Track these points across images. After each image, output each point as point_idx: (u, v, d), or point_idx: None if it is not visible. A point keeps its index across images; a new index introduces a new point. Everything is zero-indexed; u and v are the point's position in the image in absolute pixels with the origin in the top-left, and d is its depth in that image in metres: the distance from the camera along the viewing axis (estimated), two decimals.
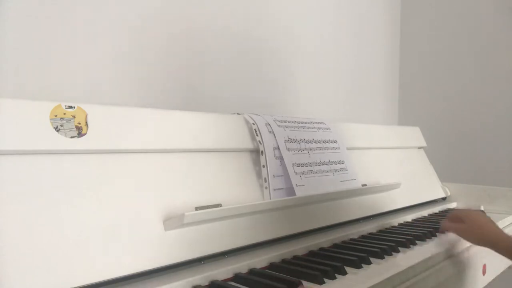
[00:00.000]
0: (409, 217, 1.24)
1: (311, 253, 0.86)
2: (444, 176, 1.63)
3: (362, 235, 1.01)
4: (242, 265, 0.74)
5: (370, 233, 1.04)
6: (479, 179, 1.88)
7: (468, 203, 1.49)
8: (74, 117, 0.66)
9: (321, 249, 0.89)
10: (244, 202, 0.86)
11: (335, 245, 0.92)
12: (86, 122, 0.68)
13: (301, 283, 0.66)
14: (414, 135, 1.61)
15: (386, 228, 1.11)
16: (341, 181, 1.09)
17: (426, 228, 1.09)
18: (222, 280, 0.69)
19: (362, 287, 0.67)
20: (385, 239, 0.97)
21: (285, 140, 1.00)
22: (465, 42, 2.05)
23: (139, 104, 1.11)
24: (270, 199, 0.91)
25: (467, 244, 1.01)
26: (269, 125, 0.99)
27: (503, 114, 1.92)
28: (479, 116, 1.99)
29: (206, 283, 0.68)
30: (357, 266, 0.77)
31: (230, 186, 0.87)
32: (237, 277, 0.72)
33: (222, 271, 0.71)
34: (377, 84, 2.16)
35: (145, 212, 0.70)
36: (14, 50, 0.91)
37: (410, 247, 0.92)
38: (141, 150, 0.75)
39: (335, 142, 1.14)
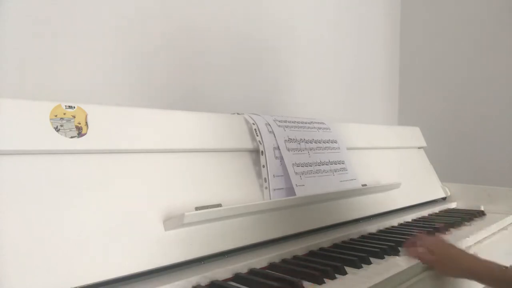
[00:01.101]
0: (409, 217, 1.24)
1: (311, 253, 0.86)
2: (444, 176, 1.63)
3: (362, 235, 1.01)
4: (242, 265, 0.74)
5: (370, 233, 1.04)
6: (479, 179, 1.88)
7: (468, 203, 1.49)
8: (74, 117, 0.66)
9: (321, 249, 0.89)
10: (244, 202, 0.86)
11: (335, 245, 0.92)
12: (86, 122, 0.68)
13: (301, 283, 0.66)
14: (414, 135, 1.61)
15: (386, 228, 1.11)
16: (341, 181, 1.09)
17: (426, 228, 1.09)
18: (222, 280, 0.69)
19: (362, 287, 0.67)
20: (385, 239, 0.97)
21: (285, 140, 1.00)
22: (465, 42, 2.04)
23: (139, 104, 1.11)
24: (270, 199, 0.91)
25: (467, 243, 1.01)
26: (269, 125, 0.99)
27: (503, 114, 1.92)
28: (479, 116, 1.99)
29: (206, 283, 0.68)
30: (357, 266, 0.77)
31: (230, 186, 0.87)
32: (237, 277, 0.72)
33: (222, 271, 0.71)
34: (377, 84, 2.16)
35: (145, 212, 0.70)
36: (14, 50, 0.91)
37: None
38: (141, 150, 0.74)
39: (335, 142, 1.14)
